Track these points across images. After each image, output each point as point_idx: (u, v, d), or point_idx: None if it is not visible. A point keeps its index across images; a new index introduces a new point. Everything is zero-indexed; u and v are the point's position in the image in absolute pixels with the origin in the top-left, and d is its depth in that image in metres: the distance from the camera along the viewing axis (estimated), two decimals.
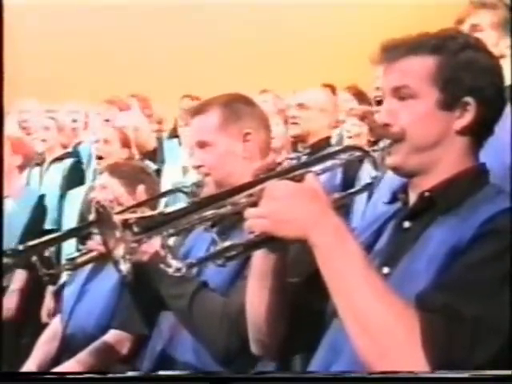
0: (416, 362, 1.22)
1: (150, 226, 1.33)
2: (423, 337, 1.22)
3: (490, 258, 1.27)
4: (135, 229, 1.31)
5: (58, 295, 3.98)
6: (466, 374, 1.23)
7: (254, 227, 1.35)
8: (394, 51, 1.48)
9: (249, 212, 1.35)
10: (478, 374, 1.24)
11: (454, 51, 1.45)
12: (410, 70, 1.45)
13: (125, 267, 1.34)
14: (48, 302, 4.14)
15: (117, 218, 1.34)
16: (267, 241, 1.38)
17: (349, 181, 2.94)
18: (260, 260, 1.49)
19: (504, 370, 1.26)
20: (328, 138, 4.07)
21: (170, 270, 1.34)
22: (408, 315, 1.25)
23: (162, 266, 1.36)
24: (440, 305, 1.25)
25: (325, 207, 1.34)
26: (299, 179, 1.39)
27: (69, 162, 4.98)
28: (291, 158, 3.97)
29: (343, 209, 1.55)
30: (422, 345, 1.22)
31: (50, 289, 4.11)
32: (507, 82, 2.28)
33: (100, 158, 4.16)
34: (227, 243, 1.38)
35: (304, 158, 3.84)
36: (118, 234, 1.32)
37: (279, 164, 1.51)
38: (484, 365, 1.24)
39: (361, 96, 4.82)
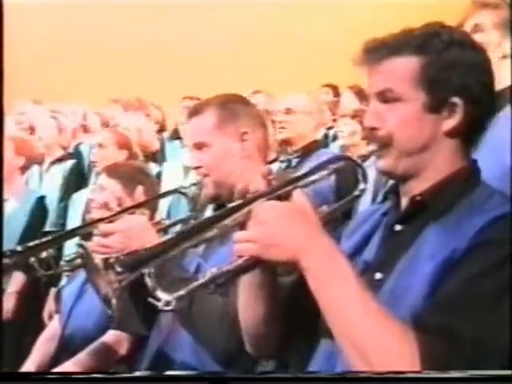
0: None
1: (134, 264, 1.31)
2: (422, 358, 1.21)
3: (486, 271, 1.25)
4: (118, 268, 1.29)
5: (58, 297, 3.99)
6: (466, 374, 1.22)
7: (243, 252, 1.33)
8: (377, 52, 1.43)
9: (237, 236, 1.34)
10: (478, 374, 1.23)
11: (438, 50, 1.40)
12: (393, 73, 1.41)
13: (113, 304, 1.33)
14: (50, 304, 4.12)
15: (98, 259, 1.32)
16: (256, 264, 1.36)
17: (343, 188, 2.94)
18: (249, 274, 1.46)
19: (504, 370, 1.25)
20: (316, 141, 4.13)
21: (160, 304, 1.31)
22: (406, 337, 1.23)
23: (150, 299, 1.32)
24: (437, 325, 1.23)
25: (314, 228, 1.32)
26: (287, 196, 1.38)
27: (70, 163, 4.97)
28: (282, 161, 3.99)
29: (338, 218, 1.53)
30: (420, 367, 1.20)
31: (53, 291, 4.10)
32: (507, 82, 2.27)
33: (94, 161, 4.16)
34: (216, 270, 1.36)
35: (295, 161, 3.89)
36: (102, 274, 1.31)
37: (266, 181, 1.50)
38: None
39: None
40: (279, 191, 1.40)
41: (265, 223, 1.31)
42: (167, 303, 1.31)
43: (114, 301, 1.32)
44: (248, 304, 1.53)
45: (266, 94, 5.53)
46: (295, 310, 1.52)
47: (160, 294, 1.31)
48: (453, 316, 1.23)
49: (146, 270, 1.32)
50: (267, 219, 1.31)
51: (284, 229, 1.30)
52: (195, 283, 1.38)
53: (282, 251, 1.30)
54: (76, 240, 2.90)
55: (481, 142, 2.11)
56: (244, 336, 1.60)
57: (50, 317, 4.05)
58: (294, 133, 4.02)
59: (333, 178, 3.14)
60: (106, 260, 1.30)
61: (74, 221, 4.31)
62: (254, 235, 1.31)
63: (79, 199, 4.44)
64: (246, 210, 1.37)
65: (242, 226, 1.37)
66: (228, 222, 1.37)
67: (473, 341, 1.21)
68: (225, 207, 1.43)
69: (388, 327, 1.24)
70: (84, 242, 1.56)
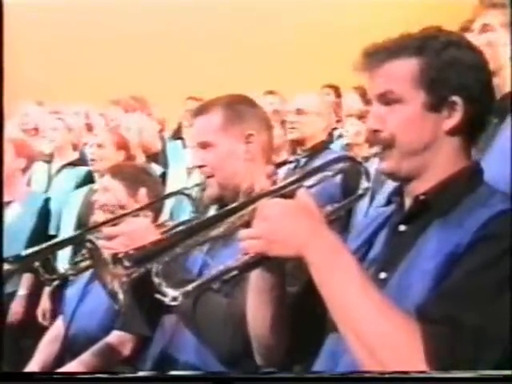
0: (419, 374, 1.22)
1: (142, 258, 1.32)
2: (425, 348, 1.22)
3: (488, 263, 1.26)
4: (126, 263, 1.30)
5: (53, 296, 3.98)
6: (466, 374, 1.23)
7: (249, 248, 1.34)
8: (377, 56, 1.46)
9: (242, 233, 1.35)
10: (478, 374, 1.24)
11: (436, 51, 1.43)
12: (393, 75, 1.43)
13: (121, 298, 1.34)
14: (44, 303, 4.13)
15: (107, 254, 1.34)
16: (262, 261, 1.37)
17: (349, 187, 2.95)
18: (257, 276, 1.48)
19: (504, 370, 1.26)
20: (324, 142, 4.13)
21: (167, 300, 1.32)
22: (409, 327, 1.24)
23: (157, 295, 1.33)
24: (441, 315, 1.24)
25: (318, 224, 1.33)
26: (291, 195, 1.39)
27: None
28: (291, 162, 3.99)
29: (341, 218, 1.54)
30: (424, 356, 1.21)
31: (47, 290, 4.09)
32: (508, 88, 2.28)
33: (93, 160, 4.17)
34: (222, 267, 1.37)
35: (303, 161, 3.90)
36: (110, 268, 1.32)
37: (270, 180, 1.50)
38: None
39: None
40: (283, 190, 1.41)
41: (269, 220, 1.33)
42: (174, 299, 1.32)
43: (121, 296, 1.33)
44: (257, 310, 1.53)
45: (276, 95, 5.53)
46: (303, 318, 1.53)
47: (167, 289, 1.32)
48: (455, 306, 1.24)
49: (153, 269, 1.33)
50: (271, 216, 1.33)
51: (288, 225, 1.32)
52: (201, 279, 1.39)
53: (286, 247, 1.31)
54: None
55: (491, 144, 2.12)
56: (253, 345, 1.60)
57: (44, 316, 4.06)
58: (304, 133, 4.03)
59: (340, 177, 3.15)
60: (114, 255, 1.32)
61: (67, 222, 4.31)
62: (259, 232, 1.33)
63: (73, 200, 4.43)
64: (250, 208, 1.38)
65: (246, 225, 1.38)
66: (233, 219, 1.38)
67: (475, 329, 1.22)
68: (229, 206, 1.44)
69: (392, 318, 1.25)
70: (92, 237, 1.57)
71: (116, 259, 1.31)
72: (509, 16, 2.35)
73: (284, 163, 4.00)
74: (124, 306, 1.35)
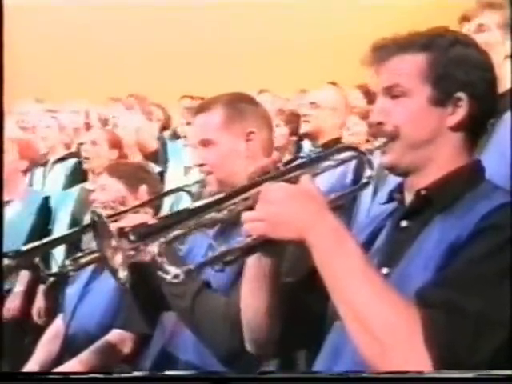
0: (418, 359, 1.22)
1: (147, 234, 1.32)
2: (425, 333, 1.22)
3: (489, 252, 1.27)
4: (131, 237, 1.30)
5: (49, 294, 3.98)
6: (466, 374, 1.23)
7: (252, 231, 1.35)
8: (384, 51, 1.48)
9: (245, 216, 1.36)
10: (478, 374, 1.24)
11: (443, 48, 1.45)
12: (400, 69, 1.46)
13: (123, 275, 1.34)
14: (39, 302, 4.11)
15: (113, 227, 1.34)
16: (265, 244, 1.37)
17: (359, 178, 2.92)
18: (254, 262, 1.49)
19: (505, 370, 1.26)
20: (339, 139, 4.01)
21: (168, 277, 1.32)
22: (409, 312, 1.24)
23: (159, 272, 1.33)
24: (441, 301, 1.25)
25: (321, 208, 1.34)
26: (294, 181, 1.39)
27: (72, 161, 4.96)
28: (302, 157, 3.96)
29: (344, 208, 1.54)
30: (424, 342, 1.21)
31: (41, 288, 4.08)
32: (507, 85, 2.30)
33: (86, 158, 4.18)
34: (225, 248, 1.37)
35: (315, 157, 3.85)
36: (114, 242, 1.32)
37: (274, 166, 1.50)
38: (487, 361, 1.24)
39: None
40: (287, 175, 1.42)
41: (272, 202, 1.33)
42: (175, 276, 1.32)
43: (123, 272, 1.33)
44: (250, 297, 1.53)
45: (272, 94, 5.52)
46: (297, 309, 1.54)
47: (169, 267, 1.32)
48: (456, 292, 1.25)
49: (155, 250, 1.32)
50: (274, 199, 1.33)
51: (291, 208, 1.32)
52: (204, 259, 1.40)
53: (289, 229, 1.32)
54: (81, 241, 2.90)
55: (488, 142, 2.14)
56: (245, 333, 1.60)
57: (39, 314, 4.05)
58: (316, 128, 3.96)
59: (352, 166, 3.14)
60: (120, 229, 1.31)
61: (62, 219, 4.31)
62: (262, 214, 1.33)
63: (67, 198, 4.43)
64: (253, 191, 1.38)
65: (250, 209, 1.38)
66: (236, 201, 1.39)
67: (475, 315, 1.23)
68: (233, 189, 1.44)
69: (392, 302, 1.25)
70: (98, 210, 1.55)
71: (121, 233, 1.31)
72: (505, 16, 2.38)
73: (295, 159, 3.97)
74: (126, 282, 1.34)
